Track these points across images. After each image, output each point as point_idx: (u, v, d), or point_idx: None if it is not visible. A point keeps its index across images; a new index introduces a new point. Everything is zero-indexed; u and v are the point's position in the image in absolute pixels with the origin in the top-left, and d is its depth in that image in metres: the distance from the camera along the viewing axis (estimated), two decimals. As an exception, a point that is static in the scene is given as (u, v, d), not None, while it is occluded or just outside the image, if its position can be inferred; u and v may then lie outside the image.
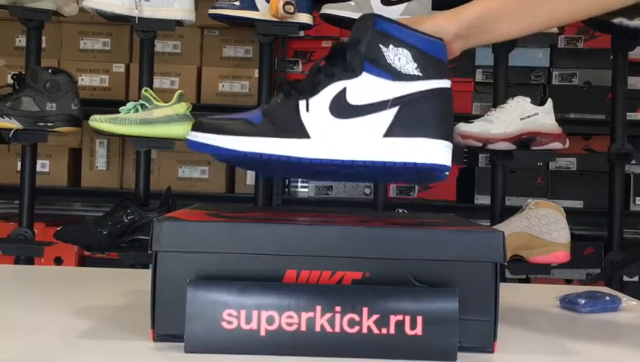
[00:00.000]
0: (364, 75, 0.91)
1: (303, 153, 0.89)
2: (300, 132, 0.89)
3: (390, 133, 0.90)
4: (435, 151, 0.90)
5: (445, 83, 0.92)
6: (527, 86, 3.14)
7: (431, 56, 0.91)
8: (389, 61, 0.90)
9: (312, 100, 0.90)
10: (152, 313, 0.86)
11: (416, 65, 0.90)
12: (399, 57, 0.90)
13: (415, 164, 0.89)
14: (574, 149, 2.86)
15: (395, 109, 0.90)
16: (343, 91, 0.90)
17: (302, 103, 0.90)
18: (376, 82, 0.90)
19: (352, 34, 0.93)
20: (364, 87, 0.90)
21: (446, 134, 0.92)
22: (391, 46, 0.91)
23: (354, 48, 0.91)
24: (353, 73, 0.91)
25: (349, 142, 0.89)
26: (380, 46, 0.91)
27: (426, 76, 0.91)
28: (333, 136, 0.89)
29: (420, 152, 0.90)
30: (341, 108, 0.90)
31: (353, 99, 0.90)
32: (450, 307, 0.83)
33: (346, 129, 0.89)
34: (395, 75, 0.90)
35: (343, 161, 0.89)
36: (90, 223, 2.16)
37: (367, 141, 0.89)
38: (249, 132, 0.90)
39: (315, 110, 0.90)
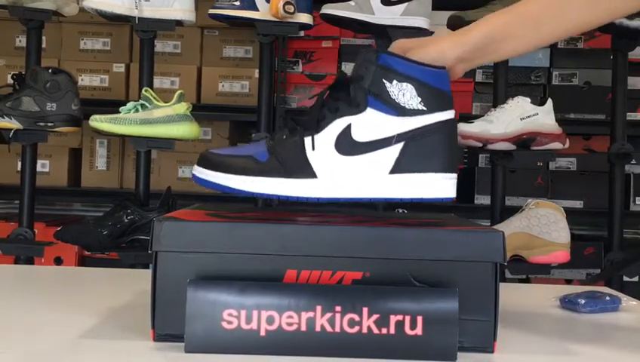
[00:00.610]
0: (369, 111, 0.90)
1: (310, 193, 0.89)
2: (307, 172, 0.90)
3: (396, 169, 0.90)
4: (441, 185, 0.91)
5: (449, 114, 0.92)
6: (527, 86, 3.14)
7: (435, 89, 0.91)
8: (392, 96, 0.90)
9: (318, 137, 0.90)
10: (152, 313, 0.86)
11: (420, 99, 0.90)
12: (403, 92, 0.90)
13: (421, 199, 0.90)
14: (574, 149, 2.86)
15: (400, 145, 0.90)
16: (348, 127, 0.90)
17: (307, 140, 0.90)
18: (381, 118, 0.90)
19: (356, 68, 0.93)
20: (368, 123, 0.90)
21: (451, 166, 0.92)
22: (395, 81, 0.90)
23: (357, 83, 0.91)
24: (357, 109, 0.90)
25: (355, 180, 0.90)
26: (384, 81, 0.90)
27: (430, 110, 0.91)
28: (339, 175, 0.90)
29: (426, 188, 0.90)
30: (346, 145, 0.90)
31: (358, 135, 0.90)
32: (450, 307, 0.83)
33: (351, 166, 0.90)
34: (400, 110, 0.90)
35: (349, 198, 0.89)
36: (90, 223, 2.16)
37: (373, 178, 0.90)
38: (256, 171, 0.90)
39: (320, 148, 0.90)
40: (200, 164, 0.93)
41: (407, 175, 0.90)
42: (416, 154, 0.90)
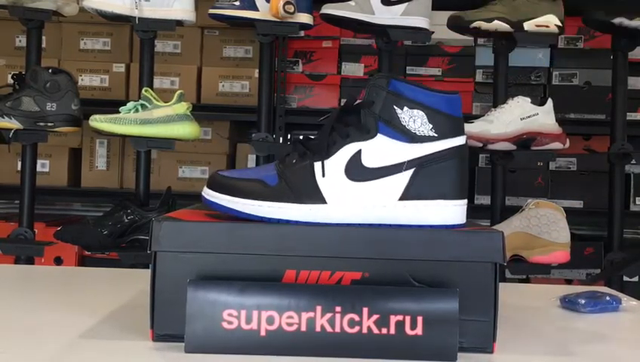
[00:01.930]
0: (379, 137, 0.90)
1: (320, 218, 0.89)
2: (317, 197, 0.90)
3: (405, 196, 0.90)
4: (451, 212, 0.91)
5: (460, 140, 0.92)
6: (527, 86, 3.14)
7: (446, 115, 0.91)
8: (403, 123, 0.90)
9: (328, 163, 0.90)
10: (151, 313, 0.86)
11: (431, 125, 0.90)
12: (414, 119, 0.90)
13: (430, 226, 0.90)
14: (574, 149, 2.85)
15: (410, 172, 0.90)
16: (358, 153, 0.90)
17: (317, 166, 0.90)
18: (391, 144, 0.90)
19: (366, 93, 0.93)
20: (379, 149, 0.90)
21: (461, 193, 0.92)
22: (405, 108, 0.90)
23: (368, 108, 0.91)
24: (368, 134, 0.90)
25: (365, 206, 0.90)
26: (395, 108, 0.90)
27: (441, 136, 0.91)
28: (349, 201, 0.90)
29: (435, 215, 0.90)
30: (357, 171, 0.90)
31: (368, 161, 0.90)
32: (451, 307, 0.83)
33: (361, 193, 0.90)
34: (410, 137, 0.90)
35: (358, 224, 0.89)
36: (90, 223, 2.16)
37: (382, 205, 0.90)
38: (266, 195, 0.90)
39: (330, 174, 0.90)
40: (210, 187, 0.93)
41: (417, 201, 0.90)
42: (426, 180, 0.90)
